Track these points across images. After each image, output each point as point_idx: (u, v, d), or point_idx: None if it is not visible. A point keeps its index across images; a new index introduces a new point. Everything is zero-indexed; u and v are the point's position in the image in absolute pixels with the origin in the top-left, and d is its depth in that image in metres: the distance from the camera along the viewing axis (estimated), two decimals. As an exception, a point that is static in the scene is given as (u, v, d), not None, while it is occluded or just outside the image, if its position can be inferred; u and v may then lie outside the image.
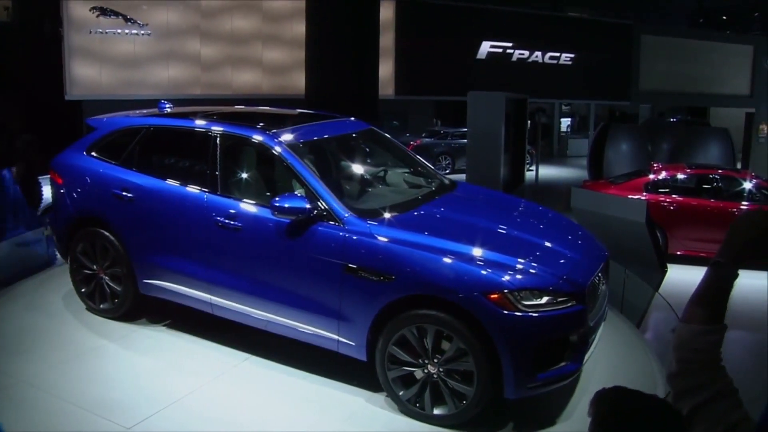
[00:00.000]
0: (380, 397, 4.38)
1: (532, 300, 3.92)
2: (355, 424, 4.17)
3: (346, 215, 4.35)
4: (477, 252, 4.09)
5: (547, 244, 4.52)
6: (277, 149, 4.67)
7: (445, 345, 4.02)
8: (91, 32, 18.47)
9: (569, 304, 4.00)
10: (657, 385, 4.90)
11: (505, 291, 3.87)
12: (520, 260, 4.10)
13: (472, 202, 5.27)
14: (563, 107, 28.98)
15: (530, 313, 3.87)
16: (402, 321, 4.10)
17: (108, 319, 5.46)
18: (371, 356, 4.29)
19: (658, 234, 9.66)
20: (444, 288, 3.96)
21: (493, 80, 20.99)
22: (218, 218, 4.71)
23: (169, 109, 5.79)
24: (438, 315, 3.97)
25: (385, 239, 4.21)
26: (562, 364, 4.04)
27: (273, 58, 20.77)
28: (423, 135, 21.92)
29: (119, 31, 18.79)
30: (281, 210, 4.32)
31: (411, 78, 22.25)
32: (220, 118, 5.31)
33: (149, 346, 5.07)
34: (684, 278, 9.72)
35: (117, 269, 5.32)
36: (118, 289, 5.34)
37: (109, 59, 18.89)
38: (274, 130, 4.84)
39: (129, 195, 5.14)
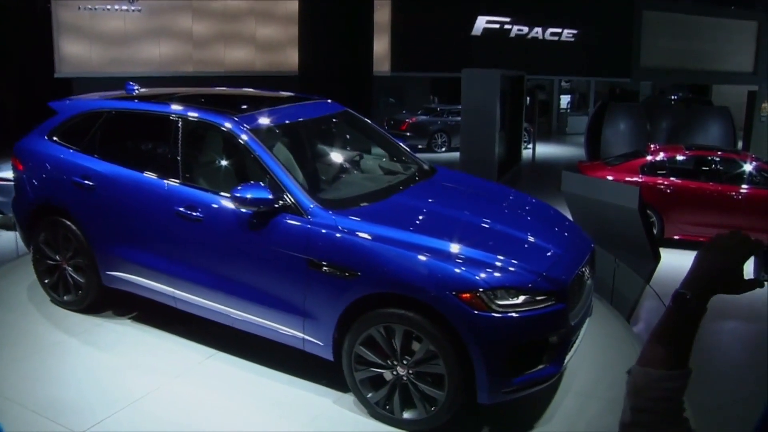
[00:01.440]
0: (349, 399, 4.14)
1: (507, 299, 3.66)
2: (319, 426, 3.94)
3: (311, 206, 4.09)
4: (448, 247, 3.83)
5: (528, 237, 4.24)
6: (239, 134, 4.39)
7: (416, 346, 3.78)
8: (80, 8, 18.11)
9: (549, 303, 3.74)
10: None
11: (478, 290, 3.61)
12: (495, 256, 3.83)
13: (449, 190, 4.98)
14: (563, 84, 28.51)
15: (505, 314, 3.62)
16: (368, 320, 3.86)
17: (72, 311, 5.23)
18: (338, 356, 4.06)
19: (653, 220, 9.40)
20: (411, 286, 3.70)
21: (492, 56, 20.58)
22: (178, 208, 4.45)
23: (137, 91, 5.49)
24: (406, 314, 3.72)
25: (350, 232, 3.94)
26: (541, 366, 3.79)
27: (266, 34, 20.39)
28: (419, 112, 21.56)
29: (109, 7, 18.43)
30: (242, 201, 4.05)
31: (407, 54, 21.88)
32: (183, 102, 5.01)
33: (112, 342, 4.84)
34: (679, 264, 9.50)
35: (80, 260, 5.07)
36: (82, 280, 5.10)
37: (99, 36, 18.54)
38: (239, 114, 4.56)
39: (89, 183, 4.88)
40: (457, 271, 3.68)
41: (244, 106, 4.90)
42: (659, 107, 16.04)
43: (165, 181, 4.57)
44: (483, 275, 3.66)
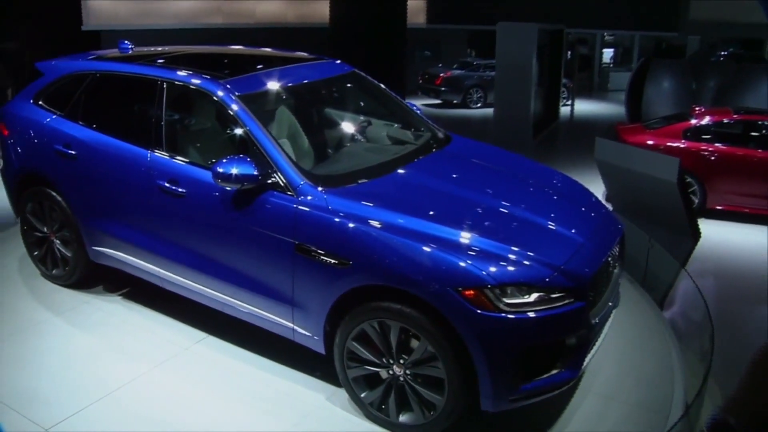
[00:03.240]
0: (343, 395, 3.77)
1: (517, 297, 3.21)
2: (309, 425, 3.58)
3: (301, 183, 3.67)
4: (453, 235, 3.38)
5: (547, 222, 3.74)
6: (225, 100, 3.95)
7: (415, 344, 3.37)
8: (106, -42, 17.64)
9: (566, 302, 3.28)
10: (674, 379, 4.21)
11: (485, 287, 3.16)
12: (506, 246, 3.37)
13: (462, 164, 4.48)
14: (606, 38, 27.25)
15: (514, 314, 3.17)
16: (361, 314, 3.46)
17: (61, 286, 4.94)
18: (330, 350, 3.68)
19: (695, 188, 8.75)
20: (408, 279, 3.27)
21: (532, 9, 19.60)
22: (161, 182, 4.07)
23: (131, 51, 5.07)
24: (402, 310, 3.31)
25: (342, 215, 3.52)
26: (554, 372, 3.35)
27: (298, -16, 19.73)
28: (454, 66, 20.77)
29: (137, -43, 17.93)
30: (224, 177, 3.63)
31: (443, 6, 21.03)
32: (172, 63, 4.59)
33: (96, 322, 4.53)
34: (721, 236, 8.91)
35: (66, 234, 4.75)
36: (69, 254, 4.79)
37: (127, -13, 18.11)
38: (227, 78, 4.11)
39: (72, 152, 4.51)
40: (461, 264, 3.23)
41: (235, 69, 4.45)
42: (707, 64, 15.05)
43: (148, 152, 4.19)
44: (491, 269, 3.21)
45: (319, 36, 15.45)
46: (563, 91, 18.21)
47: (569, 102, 18.53)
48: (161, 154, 4.15)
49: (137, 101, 4.54)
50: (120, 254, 4.49)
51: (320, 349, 3.72)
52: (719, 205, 8.91)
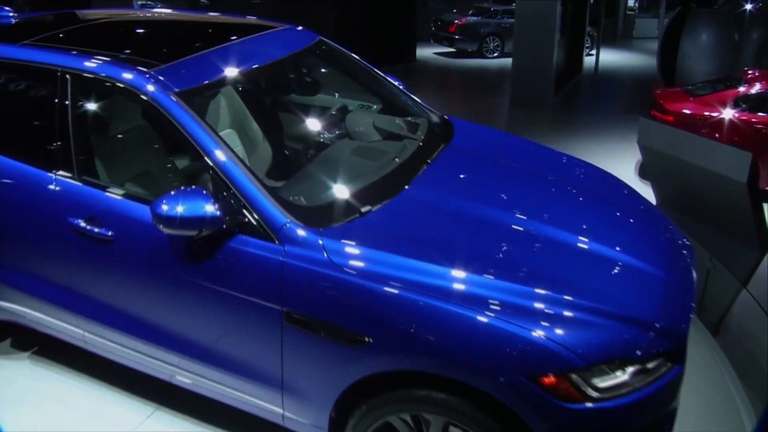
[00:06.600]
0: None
1: (608, 378, 2.28)
2: None
3: (286, 224, 2.60)
4: (511, 291, 2.39)
5: (616, 252, 2.75)
6: (159, 100, 2.83)
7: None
8: None
9: (664, 370, 2.38)
10: (741, 417, 3.31)
11: (570, 370, 2.22)
12: (584, 302, 2.39)
13: (480, 166, 3.42)
14: (633, -20, 25.48)
15: (605, 401, 2.25)
16: (386, 403, 2.49)
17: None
18: None
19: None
20: (457, 365, 2.30)
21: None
22: (75, 221, 2.98)
23: (14, 21, 3.77)
24: (450, 400, 2.35)
25: (351, 269, 2.47)
26: None
27: None
28: (470, 12, 19.32)
29: None
30: (169, 223, 2.54)
31: (458, -55, 19.50)
32: (75, 42, 3.33)
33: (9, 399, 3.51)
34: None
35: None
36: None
37: None
38: (158, 67, 2.98)
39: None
40: (535, 339, 2.24)
41: (168, 49, 3.30)
42: (750, 14, 13.56)
43: (52, 176, 3.07)
44: (575, 342, 2.25)
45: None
46: (586, 40, 16.80)
47: (592, 52, 17.13)
48: (71, 180, 3.03)
49: (29, 101, 3.33)
50: (25, 310, 3.44)
51: None
52: (773, 187, 7.76)
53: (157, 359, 3.06)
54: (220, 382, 2.91)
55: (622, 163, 8.31)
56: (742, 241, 4.91)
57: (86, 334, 3.26)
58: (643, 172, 7.56)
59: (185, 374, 3.00)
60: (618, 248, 2.78)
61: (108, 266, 3.00)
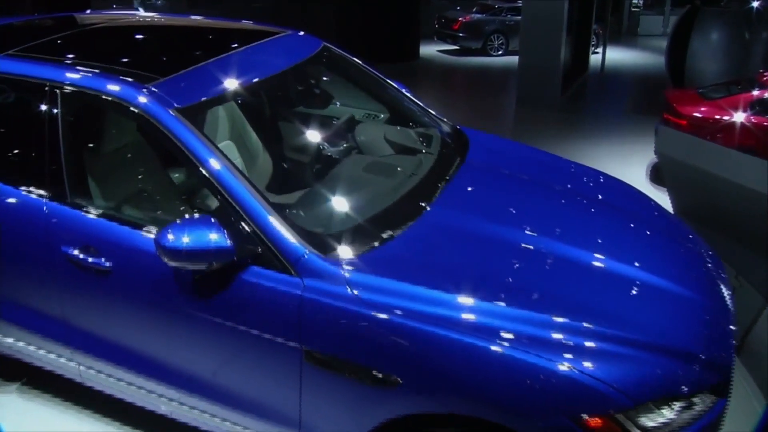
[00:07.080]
0: None
1: (655, 417, 2.14)
2: None
3: (304, 255, 2.40)
4: (552, 326, 2.24)
5: (655, 277, 2.60)
6: (158, 117, 2.63)
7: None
8: None
9: (709, 404, 2.26)
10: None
11: (617, 410, 2.08)
12: (627, 335, 2.25)
13: (503, 183, 3.25)
14: (638, -24, 25.22)
15: None
16: None
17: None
18: None
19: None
20: (495, 407, 2.15)
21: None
22: (69, 250, 2.78)
23: None
24: None
25: (378, 305, 2.29)
26: None
27: None
28: (474, 9, 19.11)
29: None
30: (174, 255, 2.36)
31: (463, -59, 19.28)
32: (63, 52, 3.11)
33: None
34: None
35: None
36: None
37: None
38: (157, 81, 2.78)
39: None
40: (580, 377, 2.09)
41: (166, 59, 3.11)
42: (758, 12, 13.32)
43: (43, 202, 2.87)
44: (621, 380, 2.11)
45: None
46: (592, 38, 16.58)
47: (598, 50, 16.92)
48: (63, 204, 2.83)
49: (15, 119, 3.11)
50: (15, 342, 3.25)
51: None
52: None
53: (158, 394, 2.88)
54: (227, 420, 2.74)
55: (632, 166, 8.11)
56: (763, 254, 4.73)
57: (82, 368, 3.07)
58: (656, 178, 7.38)
59: (186, 409, 2.82)
60: (662, 275, 2.64)
61: (108, 299, 2.82)
